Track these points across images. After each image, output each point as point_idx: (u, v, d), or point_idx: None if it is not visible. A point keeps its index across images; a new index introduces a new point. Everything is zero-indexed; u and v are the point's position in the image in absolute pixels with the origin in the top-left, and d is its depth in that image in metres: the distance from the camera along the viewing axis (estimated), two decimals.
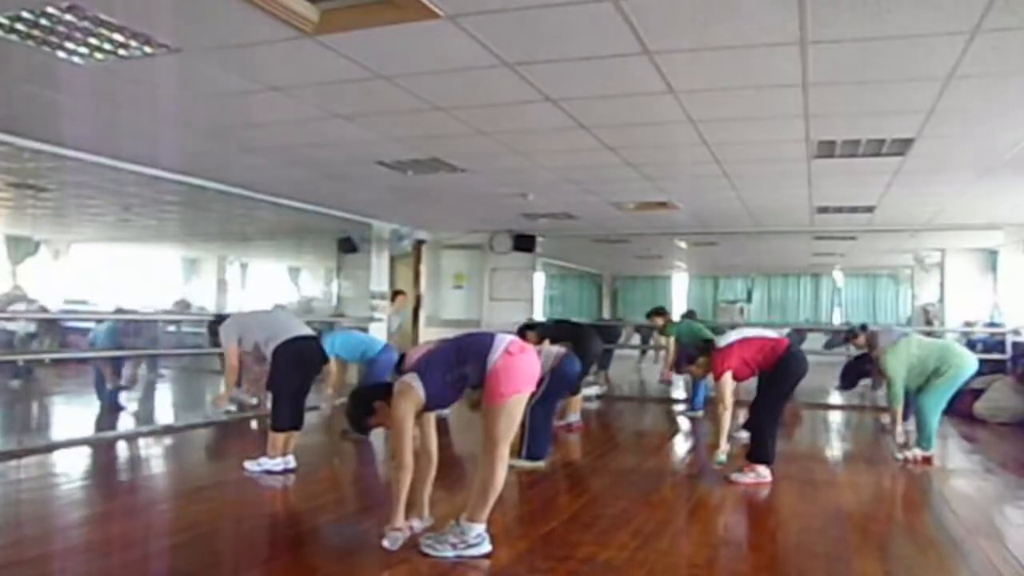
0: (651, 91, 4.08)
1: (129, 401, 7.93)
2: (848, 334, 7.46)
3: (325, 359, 5.25)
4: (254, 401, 7.48)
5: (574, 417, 7.17)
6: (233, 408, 5.04)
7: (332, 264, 9.92)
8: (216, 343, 5.26)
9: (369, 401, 3.56)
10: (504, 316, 9.92)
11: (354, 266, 9.76)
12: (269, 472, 4.90)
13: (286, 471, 4.98)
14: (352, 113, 4.71)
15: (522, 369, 3.37)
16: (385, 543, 3.44)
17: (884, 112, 4.42)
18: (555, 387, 5.38)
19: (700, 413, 8.19)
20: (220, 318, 5.37)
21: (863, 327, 7.24)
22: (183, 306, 10.22)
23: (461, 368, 3.42)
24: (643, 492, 4.72)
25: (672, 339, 8.22)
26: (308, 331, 5.13)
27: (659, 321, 8.50)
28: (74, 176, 6.83)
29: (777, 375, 5.01)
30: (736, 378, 5.10)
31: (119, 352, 7.75)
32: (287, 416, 4.95)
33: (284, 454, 5.01)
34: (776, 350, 5.02)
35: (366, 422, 3.61)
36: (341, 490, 4.98)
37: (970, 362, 5.67)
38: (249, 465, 4.96)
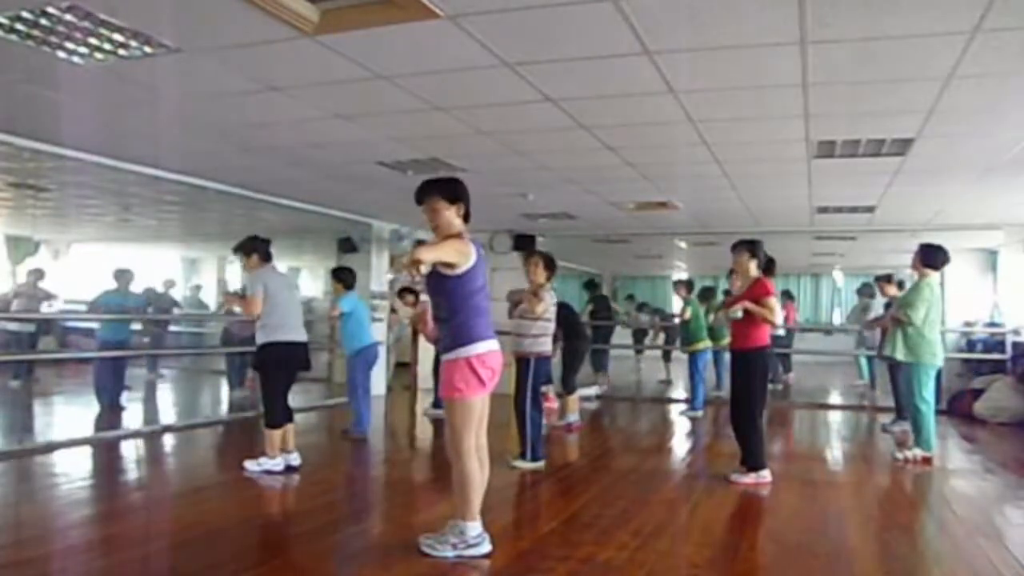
0: (651, 91, 4.08)
1: (129, 401, 7.94)
2: (884, 278, 7.54)
3: (308, 365, 5.28)
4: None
5: (573, 417, 7.19)
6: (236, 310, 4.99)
7: (332, 264, 9.90)
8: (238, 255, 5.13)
9: (456, 194, 3.45)
10: (504, 316, 9.91)
11: (354, 266, 9.71)
12: (269, 472, 4.91)
13: (289, 469, 5.00)
14: (352, 113, 4.71)
15: (481, 382, 3.37)
16: None
17: (884, 112, 4.42)
18: (539, 378, 5.47)
19: (700, 413, 8.20)
20: (257, 239, 5.16)
21: (889, 277, 7.41)
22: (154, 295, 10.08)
23: (444, 303, 3.39)
24: (643, 492, 4.73)
25: (688, 310, 8.50)
26: (301, 335, 5.13)
27: (683, 292, 8.77)
28: (74, 176, 6.83)
29: (750, 370, 4.94)
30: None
31: (120, 352, 7.76)
32: (279, 412, 5.00)
33: (284, 451, 5.03)
34: (764, 332, 4.96)
35: (442, 195, 3.43)
36: (340, 490, 4.98)
37: (941, 353, 5.75)
38: (249, 465, 4.96)
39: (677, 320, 9.96)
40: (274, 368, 5.00)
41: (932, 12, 3.02)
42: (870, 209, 7.92)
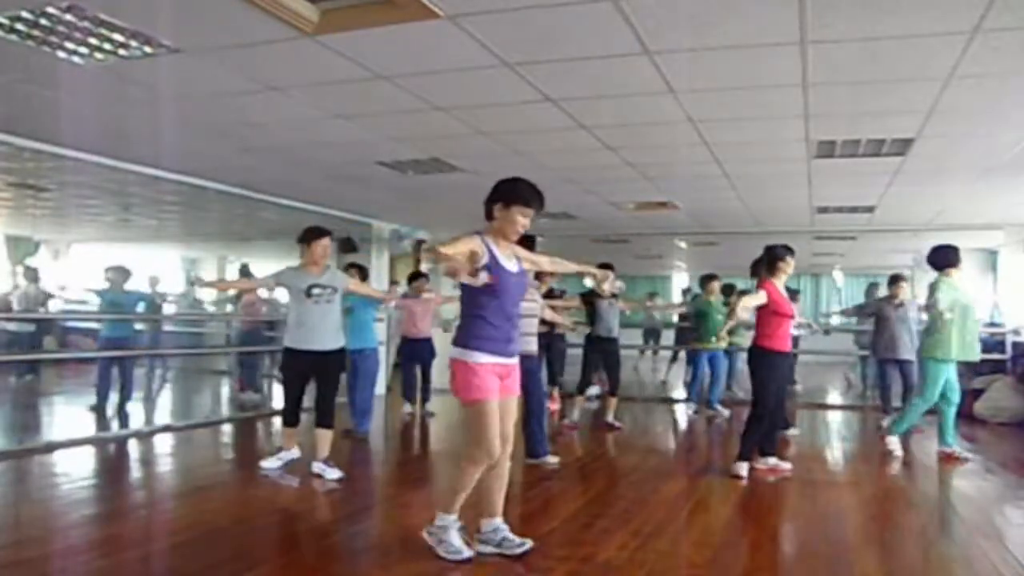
0: (651, 91, 4.08)
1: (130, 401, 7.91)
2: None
3: None
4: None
5: (575, 417, 7.19)
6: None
7: (332, 264, 9.89)
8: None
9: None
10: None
11: None
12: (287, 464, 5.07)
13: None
14: (352, 113, 4.71)
15: None
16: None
17: (884, 112, 4.42)
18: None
19: (697, 409, 8.19)
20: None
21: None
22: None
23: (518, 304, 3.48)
24: (643, 492, 4.72)
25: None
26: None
27: (714, 285, 8.63)
28: (74, 176, 6.83)
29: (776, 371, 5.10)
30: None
31: (120, 352, 7.75)
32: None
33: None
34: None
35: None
36: (340, 490, 4.97)
37: None
38: (267, 463, 5.05)
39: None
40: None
41: (932, 12, 3.02)
42: (870, 209, 7.92)
